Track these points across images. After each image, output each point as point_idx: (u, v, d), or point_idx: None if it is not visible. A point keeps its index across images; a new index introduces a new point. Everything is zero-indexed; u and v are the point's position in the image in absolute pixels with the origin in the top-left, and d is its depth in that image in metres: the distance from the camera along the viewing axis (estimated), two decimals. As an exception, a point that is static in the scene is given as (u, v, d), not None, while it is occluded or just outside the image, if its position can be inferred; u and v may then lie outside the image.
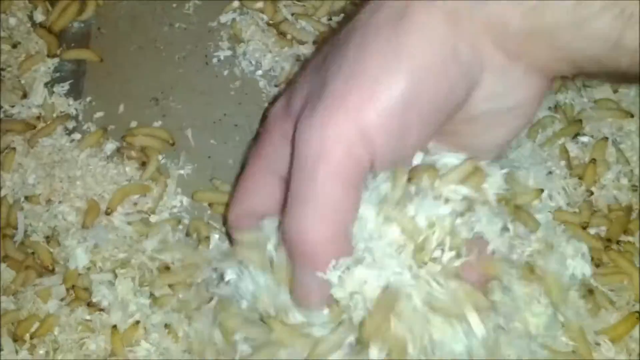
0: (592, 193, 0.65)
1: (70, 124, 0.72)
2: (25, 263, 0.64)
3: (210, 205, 0.68)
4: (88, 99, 0.74)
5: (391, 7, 0.39)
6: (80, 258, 0.65)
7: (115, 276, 0.64)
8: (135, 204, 0.68)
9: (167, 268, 0.64)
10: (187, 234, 0.66)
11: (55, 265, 0.64)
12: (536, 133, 0.67)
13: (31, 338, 0.62)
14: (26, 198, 0.67)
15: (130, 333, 0.62)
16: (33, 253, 0.65)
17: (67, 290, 0.64)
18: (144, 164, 0.69)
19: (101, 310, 0.63)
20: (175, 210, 0.68)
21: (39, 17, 0.76)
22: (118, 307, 0.62)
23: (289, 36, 0.74)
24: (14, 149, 0.69)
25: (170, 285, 0.64)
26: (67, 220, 0.67)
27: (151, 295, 0.63)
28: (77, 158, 0.69)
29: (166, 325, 0.62)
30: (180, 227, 0.67)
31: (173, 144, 0.70)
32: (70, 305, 0.63)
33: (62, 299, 0.63)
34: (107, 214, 0.66)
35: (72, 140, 0.71)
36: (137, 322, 0.62)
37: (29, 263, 0.64)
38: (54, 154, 0.70)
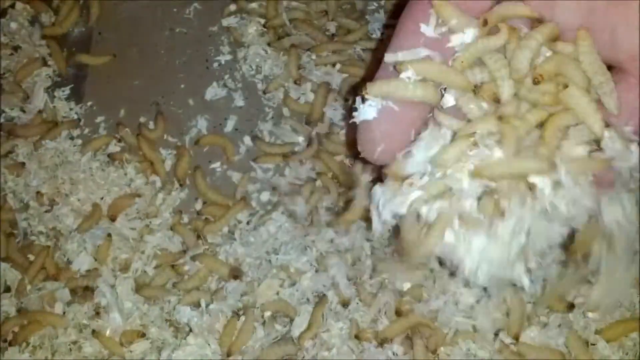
0: None
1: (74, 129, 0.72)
2: (29, 267, 0.65)
3: (204, 203, 0.69)
4: (89, 103, 0.74)
5: None
6: (82, 262, 0.66)
7: (115, 277, 0.65)
8: (137, 210, 0.69)
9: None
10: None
11: (58, 270, 0.65)
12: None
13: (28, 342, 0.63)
14: (30, 199, 0.68)
15: (128, 333, 0.63)
16: (36, 257, 0.65)
17: (71, 293, 0.64)
18: (147, 165, 0.70)
19: (98, 313, 0.63)
20: (175, 211, 0.69)
21: (43, 21, 0.77)
22: (116, 308, 0.63)
23: (286, 43, 0.74)
24: (18, 152, 0.70)
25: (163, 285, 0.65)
26: (69, 222, 0.68)
27: (140, 288, 0.64)
28: (80, 161, 0.70)
29: (166, 320, 0.63)
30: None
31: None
32: (72, 307, 0.64)
33: (67, 303, 0.64)
34: (112, 220, 0.67)
35: (75, 145, 0.71)
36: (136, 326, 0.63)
37: (33, 267, 0.64)
38: (55, 157, 0.70)
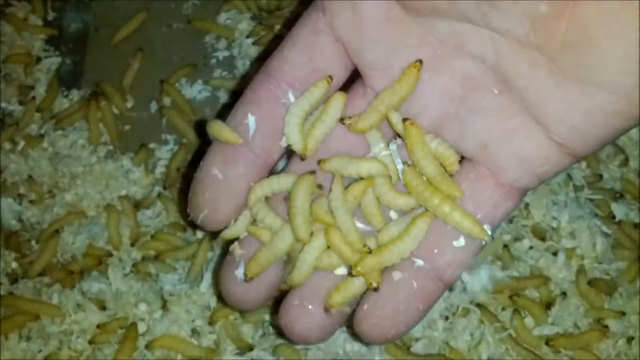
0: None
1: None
2: (25, 257, 0.65)
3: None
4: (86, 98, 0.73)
5: None
6: (76, 251, 0.66)
7: (107, 266, 0.66)
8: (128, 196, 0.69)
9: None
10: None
11: (58, 264, 0.65)
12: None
13: (27, 334, 0.63)
14: (28, 188, 0.68)
15: (122, 319, 0.63)
16: (38, 249, 0.66)
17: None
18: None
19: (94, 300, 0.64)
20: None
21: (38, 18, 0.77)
22: (112, 292, 0.64)
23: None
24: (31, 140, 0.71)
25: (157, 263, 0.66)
26: (66, 213, 0.68)
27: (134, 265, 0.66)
28: (81, 155, 0.70)
29: (162, 297, 0.65)
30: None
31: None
32: (67, 296, 0.64)
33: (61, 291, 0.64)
34: (132, 245, 0.68)
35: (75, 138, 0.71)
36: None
37: (34, 261, 0.65)
38: (62, 150, 0.71)
